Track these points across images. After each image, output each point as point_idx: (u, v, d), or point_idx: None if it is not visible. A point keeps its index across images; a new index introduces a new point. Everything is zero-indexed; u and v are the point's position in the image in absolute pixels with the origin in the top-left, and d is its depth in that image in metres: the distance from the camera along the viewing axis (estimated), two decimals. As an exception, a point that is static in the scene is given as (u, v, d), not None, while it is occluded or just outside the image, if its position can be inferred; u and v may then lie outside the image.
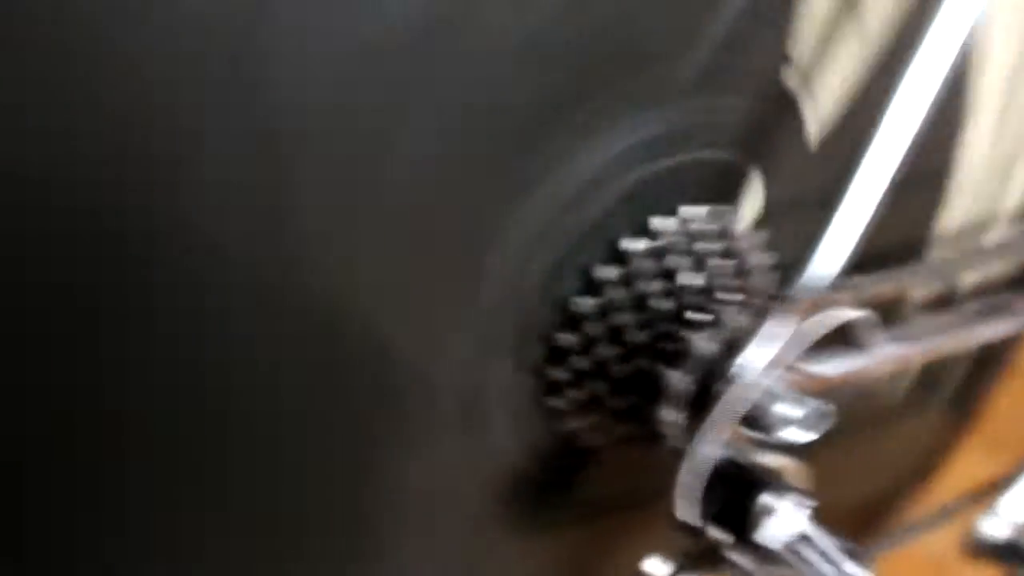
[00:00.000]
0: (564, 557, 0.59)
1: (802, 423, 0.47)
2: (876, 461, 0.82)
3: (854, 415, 0.74)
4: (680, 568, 0.54)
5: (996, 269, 0.65)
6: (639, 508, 0.59)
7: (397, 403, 0.46)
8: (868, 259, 0.51)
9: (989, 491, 0.77)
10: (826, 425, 0.47)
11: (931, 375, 0.81)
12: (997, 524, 0.75)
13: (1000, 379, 0.86)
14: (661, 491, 0.55)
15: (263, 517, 0.46)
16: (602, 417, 0.50)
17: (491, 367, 0.48)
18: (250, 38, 0.36)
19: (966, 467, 0.86)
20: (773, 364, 0.46)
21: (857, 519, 0.81)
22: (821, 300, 0.47)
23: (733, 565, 0.52)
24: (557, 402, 0.50)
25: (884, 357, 0.55)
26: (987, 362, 0.83)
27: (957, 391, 0.85)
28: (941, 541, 0.82)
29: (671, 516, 0.49)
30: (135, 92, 0.35)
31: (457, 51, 0.40)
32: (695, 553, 0.54)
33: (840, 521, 0.77)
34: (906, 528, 0.78)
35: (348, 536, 0.50)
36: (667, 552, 0.55)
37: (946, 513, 0.78)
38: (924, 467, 0.86)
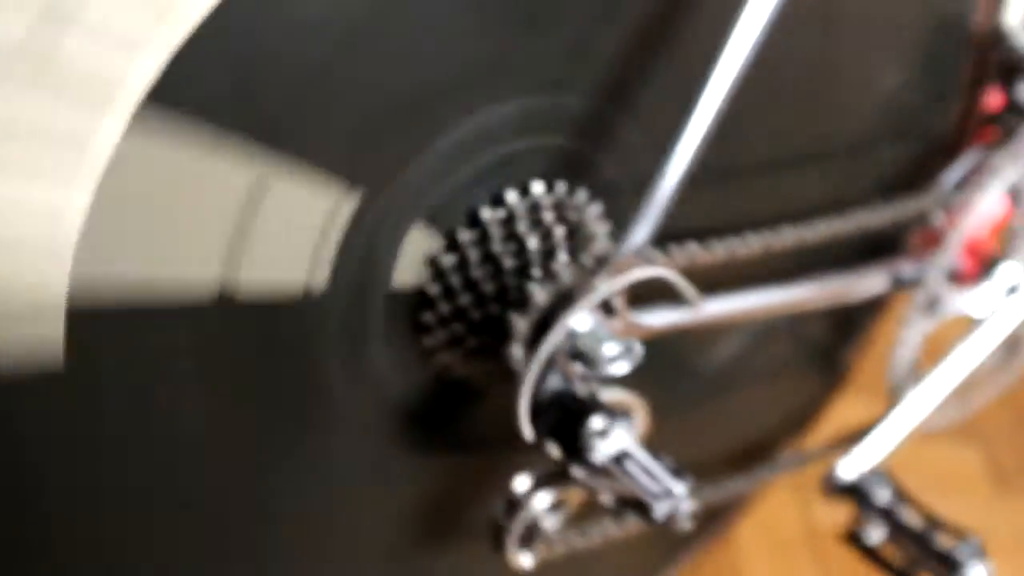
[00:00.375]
0: (444, 484, 0.70)
1: (618, 359, 0.58)
2: (753, 414, 0.94)
3: (728, 373, 0.86)
4: (538, 483, 0.66)
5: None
6: (506, 441, 0.70)
7: (290, 348, 0.57)
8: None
9: (853, 437, 0.88)
10: (634, 361, 0.58)
11: (803, 337, 0.93)
12: (849, 467, 0.86)
13: (869, 338, 0.97)
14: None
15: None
16: (464, 353, 0.61)
17: (371, 311, 0.59)
18: None
19: (842, 411, 0.97)
20: (593, 310, 0.57)
21: (738, 464, 0.92)
22: (635, 260, 0.57)
23: (574, 479, 0.63)
24: (429, 340, 0.61)
25: (702, 315, 0.66)
26: (855, 323, 0.94)
27: (828, 351, 0.96)
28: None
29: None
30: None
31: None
32: (551, 471, 0.66)
33: (722, 465, 0.89)
34: (772, 465, 0.89)
35: (245, 466, 0.60)
36: (531, 472, 0.66)
37: (809, 456, 0.89)
38: (799, 419, 0.97)
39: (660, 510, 0.62)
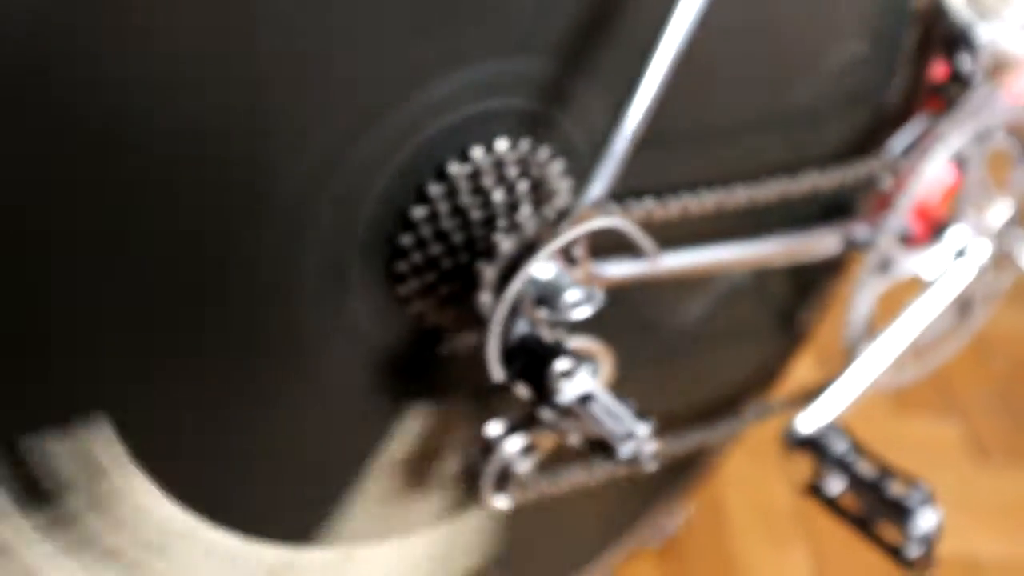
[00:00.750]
0: (420, 432, 0.74)
1: (580, 304, 0.62)
2: (717, 374, 0.98)
3: (693, 334, 0.90)
4: (511, 428, 0.69)
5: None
6: (479, 388, 0.73)
7: (268, 288, 0.61)
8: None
9: (811, 395, 0.92)
10: (595, 306, 0.62)
11: (763, 299, 0.97)
12: (807, 421, 0.90)
13: (826, 300, 1.01)
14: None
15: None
16: (438, 300, 0.65)
17: (348, 263, 0.62)
18: None
19: (799, 372, 1.01)
20: (555, 259, 0.61)
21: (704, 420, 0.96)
22: (593, 212, 0.61)
23: (541, 422, 0.67)
24: (403, 289, 0.64)
25: (659, 267, 0.70)
26: (813, 286, 0.99)
27: (788, 313, 1.01)
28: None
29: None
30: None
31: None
32: (521, 417, 0.70)
33: (687, 423, 0.93)
34: (734, 419, 0.93)
35: (233, 405, 0.64)
36: (503, 418, 0.70)
37: (769, 409, 0.93)
38: (761, 379, 1.01)
39: (624, 450, 0.65)
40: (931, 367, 1.04)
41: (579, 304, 0.62)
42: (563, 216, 0.62)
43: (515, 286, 0.59)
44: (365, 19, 0.56)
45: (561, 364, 0.62)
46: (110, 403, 0.57)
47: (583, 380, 0.63)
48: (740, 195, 0.74)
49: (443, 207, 0.62)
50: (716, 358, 0.96)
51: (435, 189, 0.62)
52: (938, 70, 0.91)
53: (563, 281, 0.62)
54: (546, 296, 0.62)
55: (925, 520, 0.84)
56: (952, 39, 0.88)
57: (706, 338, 0.93)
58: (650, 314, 0.85)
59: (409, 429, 0.72)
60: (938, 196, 0.96)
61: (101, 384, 0.57)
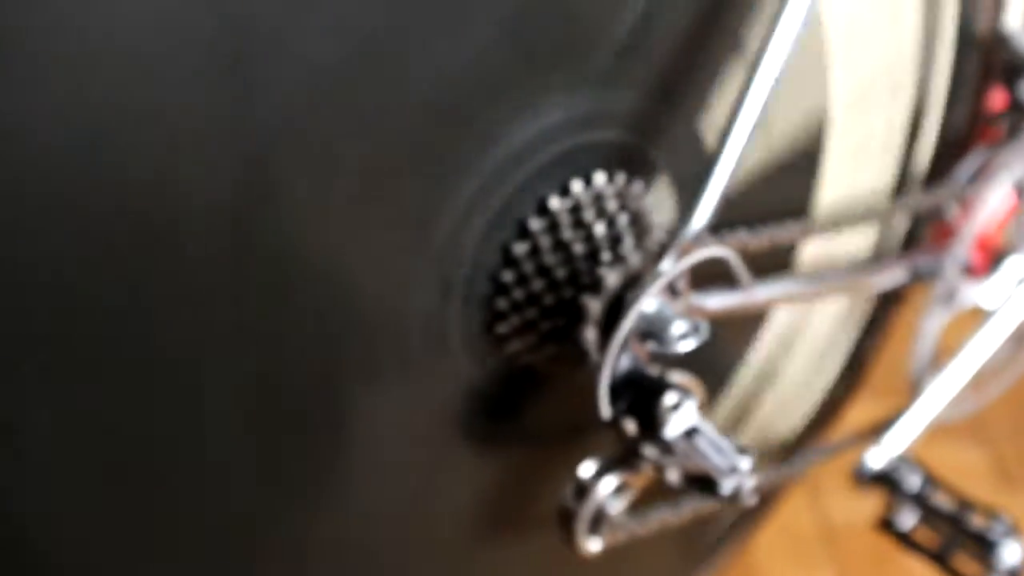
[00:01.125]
0: (508, 473, 0.72)
1: (686, 337, 0.61)
2: (776, 413, 0.97)
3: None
4: (604, 468, 0.68)
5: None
6: (575, 429, 0.72)
7: (370, 338, 0.59)
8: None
9: (877, 430, 0.91)
10: (700, 339, 0.61)
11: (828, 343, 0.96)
12: (877, 456, 0.89)
13: (882, 342, 1.01)
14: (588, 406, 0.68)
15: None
16: (537, 338, 0.64)
17: (449, 303, 0.61)
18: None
19: (857, 414, 1.00)
20: (661, 290, 0.60)
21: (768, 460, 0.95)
22: (695, 244, 0.60)
23: (643, 458, 0.65)
24: (502, 327, 0.63)
25: (756, 297, 0.69)
26: (868, 326, 0.98)
27: (848, 354, 1.00)
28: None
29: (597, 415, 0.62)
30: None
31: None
32: (615, 456, 0.68)
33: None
34: (799, 459, 0.92)
35: (328, 450, 0.62)
36: (596, 458, 0.68)
37: (835, 448, 0.92)
38: (820, 419, 1.00)
39: (727, 485, 0.64)
40: (989, 399, 1.03)
41: (686, 337, 0.61)
42: (667, 247, 0.61)
43: (630, 319, 0.58)
44: (463, 55, 0.55)
45: (670, 397, 0.60)
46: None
47: (688, 413, 0.62)
48: (824, 225, 0.73)
49: (545, 242, 0.61)
50: (774, 397, 0.95)
51: (536, 224, 0.61)
52: (997, 99, 0.91)
53: (668, 313, 0.61)
54: (652, 329, 0.61)
55: (1010, 553, 0.82)
56: (1012, 67, 0.88)
57: (762, 376, 0.92)
58: (705, 354, 0.85)
59: (494, 471, 0.71)
60: (995, 226, 0.95)
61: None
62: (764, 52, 0.63)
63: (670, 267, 0.60)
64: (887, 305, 0.97)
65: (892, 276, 0.86)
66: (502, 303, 0.62)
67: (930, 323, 0.91)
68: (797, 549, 1.19)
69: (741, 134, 0.63)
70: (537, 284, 0.62)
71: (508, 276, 0.61)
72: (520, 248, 0.61)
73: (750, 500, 0.65)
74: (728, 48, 0.66)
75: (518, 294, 0.62)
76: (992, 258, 0.96)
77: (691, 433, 0.62)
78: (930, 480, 0.87)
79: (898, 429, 0.91)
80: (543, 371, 0.67)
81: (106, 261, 0.45)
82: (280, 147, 0.51)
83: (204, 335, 0.52)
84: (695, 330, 0.61)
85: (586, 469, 0.68)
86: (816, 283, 0.78)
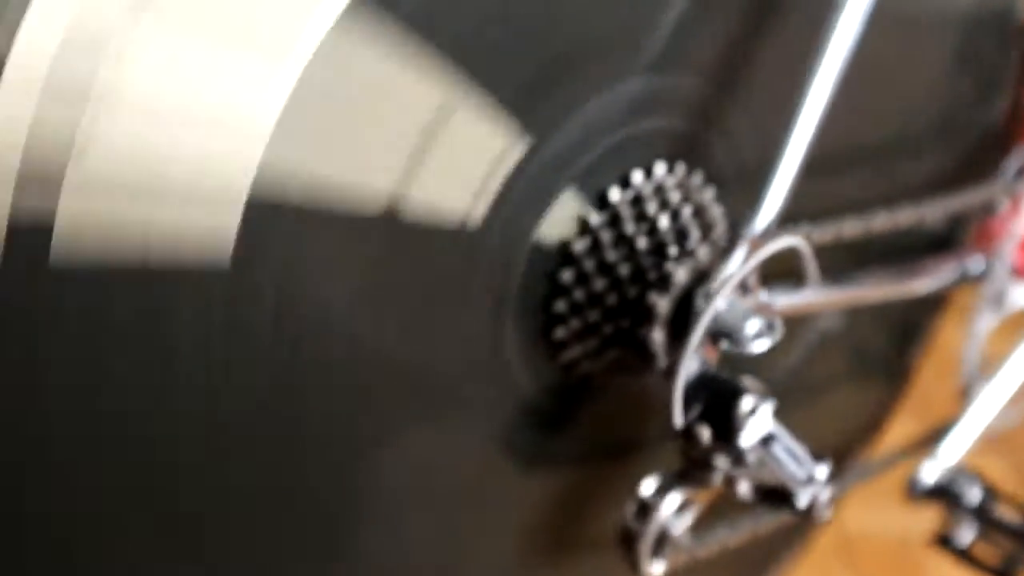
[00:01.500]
0: (564, 488, 0.67)
1: (761, 335, 0.56)
2: (817, 427, 0.92)
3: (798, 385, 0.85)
4: (666, 484, 0.63)
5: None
6: (633, 443, 0.67)
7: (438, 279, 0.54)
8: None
9: (927, 440, 0.86)
10: (775, 338, 0.56)
11: (863, 348, 0.92)
12: (932, 469, 0.84)
13: (924, 351, 0.96)
14: (650, 423, 0.63)
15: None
16: (598, 342, 0.59)
17: (503, 309, 0.56)
18: None
19: (899, 434, 0.96)
20: (736, 286, 0.56)
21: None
22: (767, 236, 0.56)
23: (712, 469, 0.60)
24: (560, 332, 0.58)
25: (821, 296, 0.65)
26: (910, 335, 0.94)
27: (888, 363, 0.96)
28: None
29: (666, 424, 0.57)
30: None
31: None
32: (680, 470, 0.63)
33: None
34: (852, 472, 0.87)
35: (396, 442, 0.57)
36: (657, 474, 0.63)
37: (888, 461, 0.87)
38: (864, 431, 0.95)
39: (804, 496, 0.59)
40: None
41: (761, 335, 0.56)
42: (736, 240, 0.56)
43: (708, 314, 0.53)
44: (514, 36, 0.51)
45: (747, 402, 0.55)
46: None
47: (765, 419, 0.57)
48: (882, 220, 0.69)
49: (606, 236, 0.56)
50: (814, 411, 0.90)
51: (596, 219, 0.56)
52: (1038, 92, 0.88)
53: (742, 310, 0.56)
54: (725, 328, 0.56)
55: (1083, 565, 0.78)
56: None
57: (801, 390, 0.87)
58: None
59: (554, 492, 0.66)
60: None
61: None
62: (830, 37, 0.59)
63: (743, 260, 0.55)
64: (929, 311, 0.93)
65: (941, 276, 0.82)
66: (560, 305, 0.57)
67: (980, 326, 0.87)
68: (813, 560, 1.14)
69: (808, 124, 0.58)
70: (598, 283, 0.57)
71: (567, 275, 0.56)
72: (580, 245, 0.56)
73: (826, 513, 0.60)
74: (794, 35, 0.62)
75: (578, 295, 0.57)
76: (1035, 259, 0.92)
77: (767, 440, 0.58)
78: (991, 492, 0.82)
79: (952, 440, 0.86)
80: (602, 381, 0.62)
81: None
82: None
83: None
84: (769, 328, 0.56)
85: (648, 486, 0.63)
86: (869, 284, 0.73)
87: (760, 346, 0.57)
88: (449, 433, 0.58)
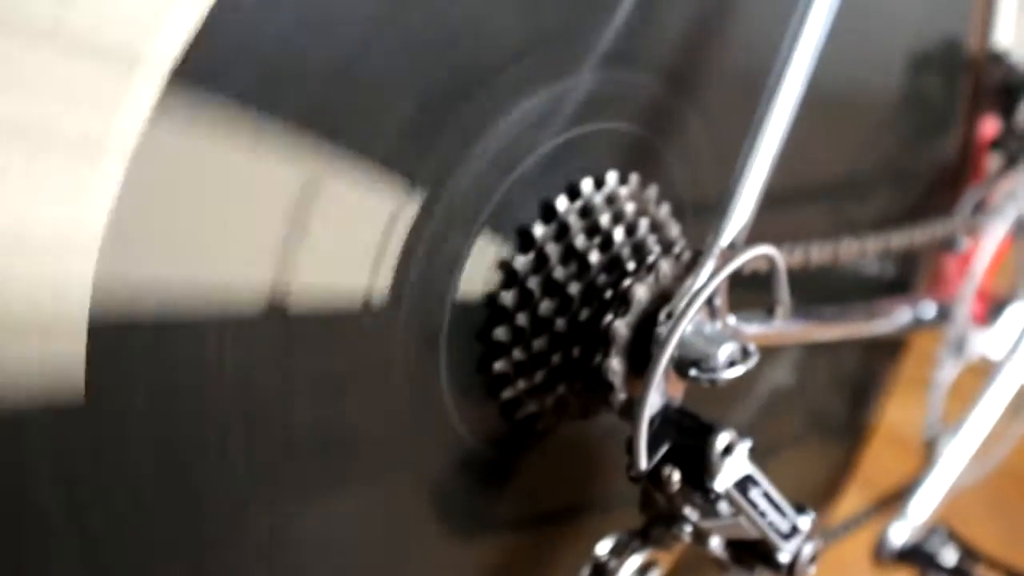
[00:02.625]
0: (513, 554, 0.58)
1: (735, 363, 0.49)
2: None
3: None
4: (624, 543, 0.54)
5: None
6: (589, 503, 0.59)
7: (346, 365, 0.46)
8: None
9: (891, 499, 0.80)
10: (749, 365, 0.49)
11: (818, 410, 0.85)
12: (901, 529, 0.77)
13: (885, 395, 0.90)
14: (606, 474, 0.55)
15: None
16: (545, 377, 0.51)
17: (437, 326, 0.48)
18: None
19: (847, 509, 0.89)
20: (703, 307, 0.48)
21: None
22: (735, 251, 0.49)
23: (679, 523, 0.52)
24: (500, 365, 0.50)
25: (790, 329, 0.58)
26: (864, 395, 0.88)
27: (842, 424, 0.89)
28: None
29: (626, 471, 0.49)
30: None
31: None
32: (643, 527, 0.55)
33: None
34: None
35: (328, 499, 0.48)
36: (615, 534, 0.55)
37: (852, 523, 0.80)
38: (821, 496, 0.88)
39: (787, 550, 0.52)
40: (992, 464, 0.93)
41: (734, 363, 0.49)
42: (703, 255, 0.49)
43: (674, 337, 0.46)
44: (443, 28, 0.44)
45: (723, 439, 0.48)
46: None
47: (741, 459, 0.49)
48: (850, 248, 0.63)
49: (553, 251, 0.49)
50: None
51: (541, 231, 0.49)
52: (987, 127, 0.84)
53: (709, 335, 0.49)
54: (692, 355, 0.49)
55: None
56: (1008, 88, 0.81)
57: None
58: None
59: (500, 553, 0.57)
60: (987, 272, 0.87)
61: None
62: (798, 35, 0.53)
63: (711, 275, 0.48)
64: (881, 370, 0.87)
65: (895, 319, 0.76)
66: (500, 333, 0.49)
67: (942, 374, 0.81)
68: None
69: (773, 137, 0.52)
70: (544, 306, 0.49)
71: (508, 297, 0.49)
72: (522, 262, 0.49)
73: (809, 571, 0.53)
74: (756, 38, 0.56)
75: (520, 319, 0.49)
76: (991, 306, 0.87)
77: (744, 484, 0.50)
78: (969, 551, 0.75)
79: (920, 496, 0.79)
80: (550, 425, 0.53)
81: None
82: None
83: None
84: (744, 354, 0.49)
85: (604, 546, 0.55)
86: (834, 320, 0.67)
87: (733, 373, 0.49)
88: (380, 497, 0.49)
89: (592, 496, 0.58)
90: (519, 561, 0.58)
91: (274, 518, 0.45)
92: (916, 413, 0.84)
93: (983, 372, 0.86)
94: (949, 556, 0.75)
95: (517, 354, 0.49)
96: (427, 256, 0.45)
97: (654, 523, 0.54)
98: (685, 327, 0.48)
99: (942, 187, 0.80)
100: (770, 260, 0.49)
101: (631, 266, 0.49)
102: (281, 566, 0.47)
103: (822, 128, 0.67)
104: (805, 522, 0.52)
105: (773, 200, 0.61)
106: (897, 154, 0.77)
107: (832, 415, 0.87)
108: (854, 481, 0.95)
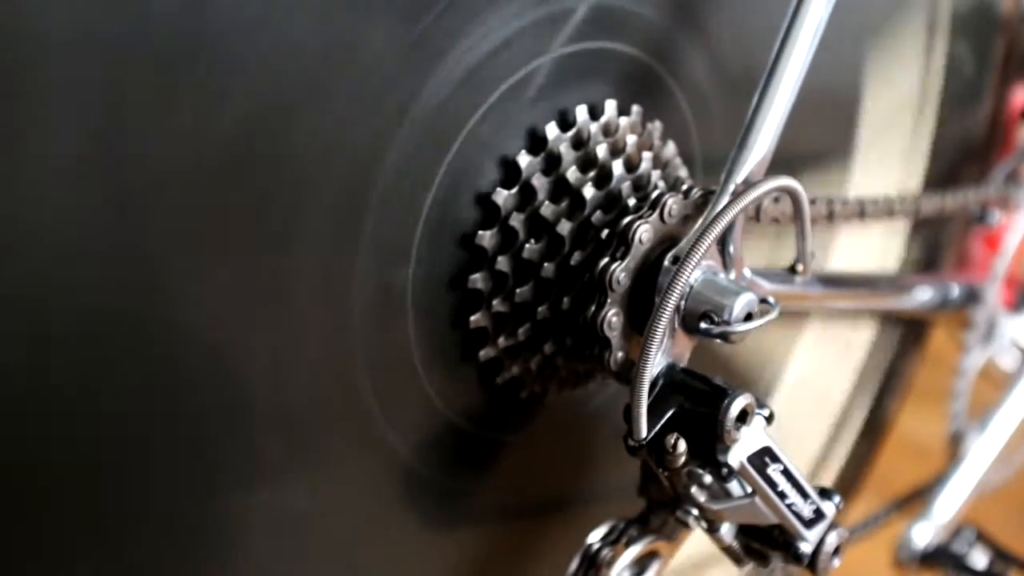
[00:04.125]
0: (493, 542, 0.51)
1: (752, 315, 0.42)
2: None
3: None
4: (620, 532, 0.47)
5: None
6: (579, 488, 0.52)
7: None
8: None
9: (913, 496, 0.73)
10: (770, 315, 0.42)
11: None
12: (925, 530, 0.70)
13: (901, 402, 0.83)
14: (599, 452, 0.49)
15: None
16: (529, 333, 0.44)
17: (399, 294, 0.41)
18: None
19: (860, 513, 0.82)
20: (717, 251, 0.42)
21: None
22: (752, 186, 0.42)
23: (685, 505, 0.45)
24: (478, 318, 0.43)
25: (811, 290, 0.52)
26: (890, 376, 0.81)
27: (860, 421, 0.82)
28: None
29: (624, 437, 0.42)
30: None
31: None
32: (638, 515, 0.48)
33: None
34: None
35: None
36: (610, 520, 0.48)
37: (871, 522, 0.73)
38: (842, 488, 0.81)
39: (809, 539, 0.44)
40: (1016, 467, 0.86)
41: (752, 315, 0.42)
42: (709, 197, 0.42)
43: (681, 282, 0.39)
44: None
45: (738, 404, 0.41)
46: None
47: (758, 430, 0.42)
48: (881, 205, 0.56)
49: (540, 185, 0.42)
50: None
51: (527, 160, 0.42)
52: (1020, 96, 0.77)
53: (724, 284, 0.42)
54: (704, 304, 0.42)
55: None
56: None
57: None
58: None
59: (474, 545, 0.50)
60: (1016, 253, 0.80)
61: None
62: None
63: (723, 210, 0.41)
64: (906, 359, 0.80)
65: (922, 296, 0.69)
66: (478, 280, 0.42)
67: (969, 361, 0.74)
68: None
69: (798, 60, 0.45)
70: (530, 248, 0.42)
71: (486, 238, 0.42)
72: (505, 197, 0.42)
73: (832, 565, 0.46)
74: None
75: (501, 264, 0.42)
76: (1019, 292, 0.81)
77: (762, 458, 0.42)
78: (1001, 553, 0.68)
79: (945, 494, 0.72)
80: (533, 390, 0.46)
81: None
82: None
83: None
84: (765, 305, 0.42)
85: (596, 535, 0.47)
86: (855, 288, 0.60)
87: (747, 327, 0.42)
88: (342, 474, 0.43)
89: (586, 480, 0.51)
90: (502, 552, 0.51)
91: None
92: (931, 421, 0.78)
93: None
94: (979, 558, 0.67)
95: (497, 305, 0.42)
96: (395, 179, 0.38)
97: (655, 508, 0.47)
98: (694, 272, 0.41)
99: (971, 158, 0.73)
100: (793, 194, 0.42)
101: (632, 203, 0.42)
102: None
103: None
104: (830, 507, 0.45)
105: (791, 163, 0.54)
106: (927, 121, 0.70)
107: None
108: (867, 489, 0.88)
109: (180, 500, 0.37)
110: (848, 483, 0.78)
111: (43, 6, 0.29)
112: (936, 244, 0.75)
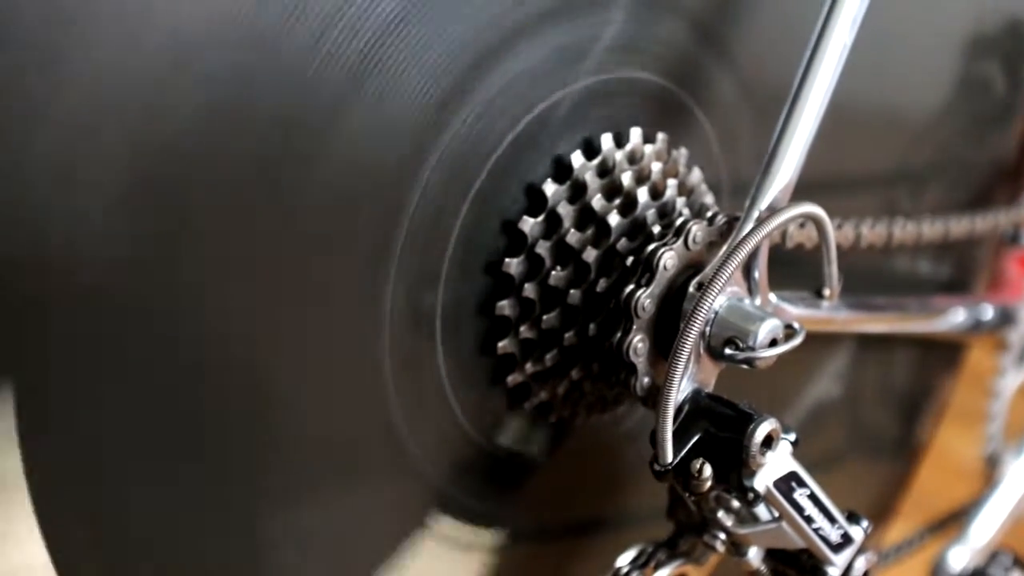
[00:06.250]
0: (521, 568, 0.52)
1: (775, 341, 0.42)
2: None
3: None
4: (648, 556, 0.48)
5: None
6: (608, 512, 0.53)
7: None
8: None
9: (949, 519, 0.72)
10: (794, 341, 0.42)
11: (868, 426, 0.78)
12: (961, 554, 0.70)
13: (934, 425, 0.83)
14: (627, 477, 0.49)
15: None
16: (556, 358, 0.44)
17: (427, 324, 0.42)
18: None
19: (896, 535, 0.81)
20: (743, 277, 0.42)
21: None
22: (776, 212, 0.42)
23: (712, 530, 0.45)
24: (505, 344, 0.44)
25: (838, 314, 0.52)
26: (923, 395, 0.81)
27: (894, 442, 0.82)
28: None
29: (651, 462, 0.42)
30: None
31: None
32: (666, 539, 0.48)
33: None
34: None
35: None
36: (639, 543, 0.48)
37: (907, 545, 0.73)
38: (875, 511, 0.81)
39: (837, 564, 0.45)
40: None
41: (775, 341, 0.42)
42: (739, 218, 0.43)
43: (705, 307, 0.39)
44: None
45: (763, 429, 0.41)
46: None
47: (785, 455, 0.42)
48: (906, 229, 0.56)
49: (566, 213, 0.43)
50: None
51: (552, 189, 0.42)
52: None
53: (748, 308, 0.42)
54: (728, 330, 0.42)
55: None
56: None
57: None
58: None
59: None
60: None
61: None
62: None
63: (748, 236, 0.41)
64: (937, 381, 0.80)
65: (953, 319, 0.69)
66: (505, 307, 0.43)
67: (1004, 383, 0.73)
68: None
69: (823, 85, 0.45)
70: (556, 275, 0.43)
71: (513, 266, 0.42)
72: (531, 224, 0.42)
73: (860, 593, 0.46)
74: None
75: (528, 291, 0.43)
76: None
77: (789, 483, 0.43)
78: (1037, 576, 0.67)
79: (982, 518, 0.72)
80: (560, 415, 0.47)
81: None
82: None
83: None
84: (788, 331, 0.42)
85: (625, 559, 0.48)
86: (882, 311, 0.60)
87: (771, 352, 0.42)
88: (376, 502, 0.43)
89: (616, 502, 0.51)
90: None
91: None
92: (971, 441, 0.77)
93: None
94: (1016, 583, 0.67)
95: (524, 331, 0.43)
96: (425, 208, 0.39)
97: (683, 532, 0.47)
98: (719, 298, 0.41)
99: (1003, 179, 0.73)
100: (818, 222, 0.43)
101: (656, 230, 0.43)
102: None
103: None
104: (858, 532, 0.45)
105: (822, 187, 0.54)
106: (955, 143, 0.70)
107: (884, 431, 0.79)
108: (902, 511, 0.88)
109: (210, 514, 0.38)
110: (883, 506, 0.78)
111: None
112: (968, 266, 0.75)
